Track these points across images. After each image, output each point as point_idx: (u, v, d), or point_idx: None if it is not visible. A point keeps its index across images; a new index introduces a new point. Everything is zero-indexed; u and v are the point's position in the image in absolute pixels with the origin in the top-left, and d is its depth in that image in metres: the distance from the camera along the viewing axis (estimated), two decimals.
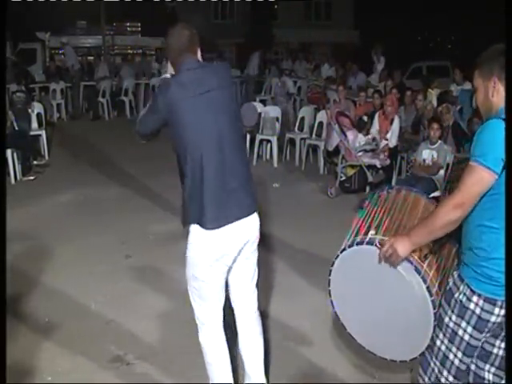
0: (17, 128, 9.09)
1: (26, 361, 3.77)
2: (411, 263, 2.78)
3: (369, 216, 3.29)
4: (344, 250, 3.08)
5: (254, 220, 3.05)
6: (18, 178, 8.36)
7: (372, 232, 3.05)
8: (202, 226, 2.85)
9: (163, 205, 7.14)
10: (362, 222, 3.23)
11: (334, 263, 3.12)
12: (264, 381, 3.32)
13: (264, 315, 4.38)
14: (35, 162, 8.88)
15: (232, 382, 3.23)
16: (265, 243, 5.83)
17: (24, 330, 4.17)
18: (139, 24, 24.50)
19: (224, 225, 2.86)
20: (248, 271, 3.17)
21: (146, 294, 4.77)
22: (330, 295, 3.13)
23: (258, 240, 3.13)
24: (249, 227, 3.01)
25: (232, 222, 2.88)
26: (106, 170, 8.57)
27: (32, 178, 8.43)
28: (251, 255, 3.14)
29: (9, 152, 8.23)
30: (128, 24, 24.70)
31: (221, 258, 2.93)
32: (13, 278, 4.96)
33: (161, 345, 4.03)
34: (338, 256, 3.10)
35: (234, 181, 2.89)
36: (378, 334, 3.06)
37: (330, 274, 3.15)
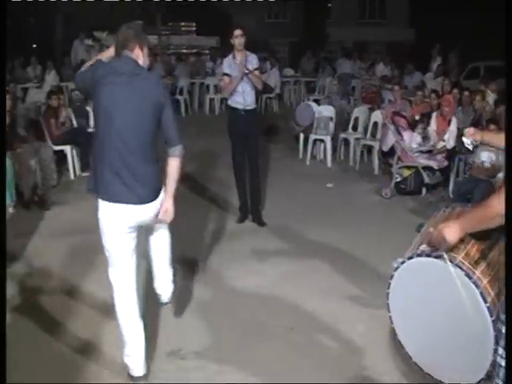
0: (75, 125, 9.32)
1: (83, 350, 3.87)
2: (461, 269, 2.75)
3: (423, 234, 3.33)
4: (397, 268, 3.11)
5: (148, 206, 3.35)
6: (77, 173, 8.59)
7: (423, 246, 3.06)
8: (98, 195, 3.31)
9: (220, 203, 7.19)
10: (418, 240, 3.28)
11: (390, 284, 3.15)
12: None
13: (314, 317, 4.38)
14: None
15: (140, 342, 3.49)
16: (317, 244, 5.82)
17: (80, 321, 4.29)
18: (194, 24, 24.74)
19: (115, 201, 3.25)
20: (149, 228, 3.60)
21: (198, 291, 4.83)
22: (391, 321, 3.15)
23: (155, 212, 3.43)
24: (142, 212, 3.33)
25: (119, 202, 3.25)
26: (162, 166, 8.71)
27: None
28: (154, 224, 3.55)
29: (68, 148, 8.48)
30: (183, 24, 25.00)
31: (114, 230, 3.32)
32: (69, 270, 5.15)
33: (215, 340, 4.06)
34: (392, 276, 3.13)
35: (128, 172, 3.24)
36: (439, 353, 3.02)
37: (387, 298, 3.17)
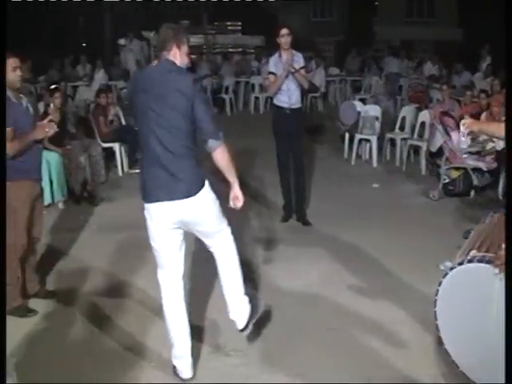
0: (124, 123, 9.48)
1: (130, 346, 3.94)
2: None
3: (471, 240, 3.27)
4: (446, 274, 3.05)
5: (187, 202, 3.31)
6: (125, 170, 8.75)
7: (473, 251, 3.00)
8: (142, 198, 3.39)
9: (264, 202, 7.21)
10: (467, 246, 3.23)
11: (438, 291, 3.10)
12: None
13: (356, 318, 4.35)
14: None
15: (187, 345, 3.52)
16: (360, 245, 5.77)
17: (128, 317, 4.36)
18: (240, 23, 24.81)
19: (154, 201, 3.31)
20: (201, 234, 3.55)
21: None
22: (437, 329, 3.09)
23: (203, 215, 3.39)
24: (181, 208, 3.31)
25: (160, 201, 3.29)
26: (208, 165, 8.79)
27: (138, 170, 8.72)
28: (201, 227, 3.47)
29: (116, 146, 8.64)
30: (229, 23, 25.10)
31: (158, 229, 3.37)
32: (118, 266, 5.24)
33: (259, 338, 4.07)
34: (441, 283, 3.07)
35: (164, 170, 3.27)
36: (490, 362, 2.95)
37: (435, 305, 3.12)
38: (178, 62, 3.36)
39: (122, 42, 15.87)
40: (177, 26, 3.60)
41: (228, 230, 3.63)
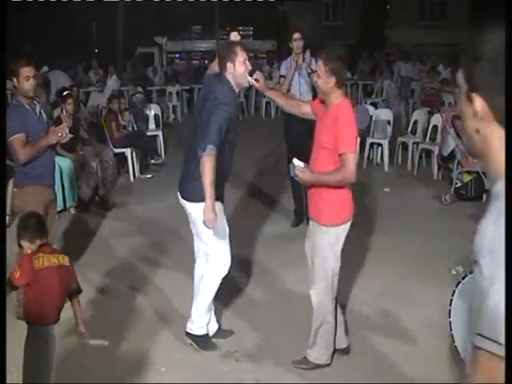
0: (135, 128, 9.53)
1: (143, 351, 3.95)
2: None
3: None
4: (459, 283, 3.03)
5: (184, 202, 3.87)
6: (137, 175, 8.78)
7: None
8: None
9: (274, 206, 7.21)
10: None
11: (451, 301, 3.08)
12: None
13: (368, 321, 4.33)
14: (152, 161, 9.26)
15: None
16: (372, 250, 5.74)
17: (140, 322, 4.37)
18: (251, 28, 24.88)
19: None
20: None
21: (255, 293, 4.85)
22: (453, 339, 3.07)
23: (193, 217, 3.81)
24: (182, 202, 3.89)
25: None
26: None
27: (149, 176, 8.79)
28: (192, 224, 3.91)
29: (128, 151, 8.67)
30: (241, 28, 25.15)
31: None
32: (129, 271, 5.25)
33: (270, 343, 4.07)
34: (454, 292, 3.05)
35: (183, 169, 3.93)
36: None
37: (449, 316, 3.09)
38: (232, 74, 3.75)
39: (45, 69, 13.99)
40: (231, 42, 4.08)
41: (214, 262, 3.88)
